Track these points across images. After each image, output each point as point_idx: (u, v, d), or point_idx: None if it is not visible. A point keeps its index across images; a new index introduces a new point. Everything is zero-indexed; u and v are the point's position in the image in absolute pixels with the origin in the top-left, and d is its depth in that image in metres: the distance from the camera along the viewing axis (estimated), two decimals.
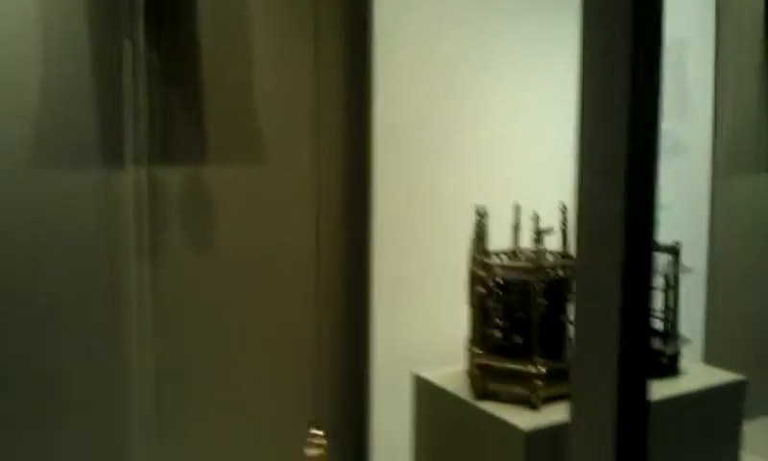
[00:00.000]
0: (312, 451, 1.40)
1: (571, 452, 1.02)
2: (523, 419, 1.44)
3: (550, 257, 1.59)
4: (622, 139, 0.91)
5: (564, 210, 1.59)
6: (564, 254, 1.61)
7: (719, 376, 1.72)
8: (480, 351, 1.54)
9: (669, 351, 1.72)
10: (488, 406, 1.51)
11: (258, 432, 1.77)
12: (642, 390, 0.97)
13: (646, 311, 0.96)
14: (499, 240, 1.64)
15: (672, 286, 1.75)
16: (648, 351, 0.98)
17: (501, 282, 1.53)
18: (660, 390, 1.61)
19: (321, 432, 1.41)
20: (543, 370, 1.48)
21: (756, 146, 2.44)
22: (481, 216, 1.55)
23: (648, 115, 0.91)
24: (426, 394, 1.70)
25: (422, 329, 1.86)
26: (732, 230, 2.39)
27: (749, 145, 2.42)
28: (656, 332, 1.74)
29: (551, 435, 1.41)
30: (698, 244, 2.34)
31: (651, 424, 1.51)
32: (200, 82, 1.65)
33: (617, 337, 0.94)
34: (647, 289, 0.96)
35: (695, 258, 2.34)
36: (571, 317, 1.57)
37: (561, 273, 1.51)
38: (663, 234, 2.22)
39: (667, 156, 2.28)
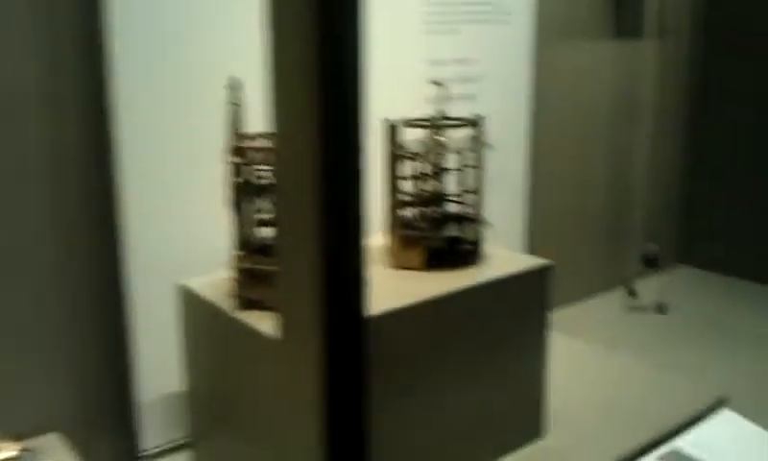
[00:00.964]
0: None
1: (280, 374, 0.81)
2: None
3: None
4: None
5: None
6: None
7: (524, 262, 1.57)
8: (242, 253, 1.30)
9: (469, 236, 1.55)
10: (247, 316, 1.29)
11: None
12: (356, 296, 0.75)
13: (356, 198, 0.72)
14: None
15: (474, 166, 1.57)
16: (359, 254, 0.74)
17: (260, 170, 1.28)
18: (457, 279, 1.44)
19: None
20: None
21: (579, 12, 2.27)
22: (234, 89, 1.27)
23: None
24: (191, 306, 1.45)
25: (192, 233, 1.59)
26: (555, 100, 2.25)
27: (573, 11, 2.25)
28: (452, 217, 1.56)
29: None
30: (521, 116, 2.19)
31: (447, 315, 1.32)
32: None
33: (318, 235, 0.71)
34: (356, 171, 0.73)
35: (518, 133, 2.19)
36: None
37: None
38: (482, 107, 2.04)
39: (490, 23, 2.06)
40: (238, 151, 1.25)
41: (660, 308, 2.37)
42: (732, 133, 2.62)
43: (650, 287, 2.43)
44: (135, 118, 1.50)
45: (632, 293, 2.43)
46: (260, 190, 1.33)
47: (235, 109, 1.26)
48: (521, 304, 1.53)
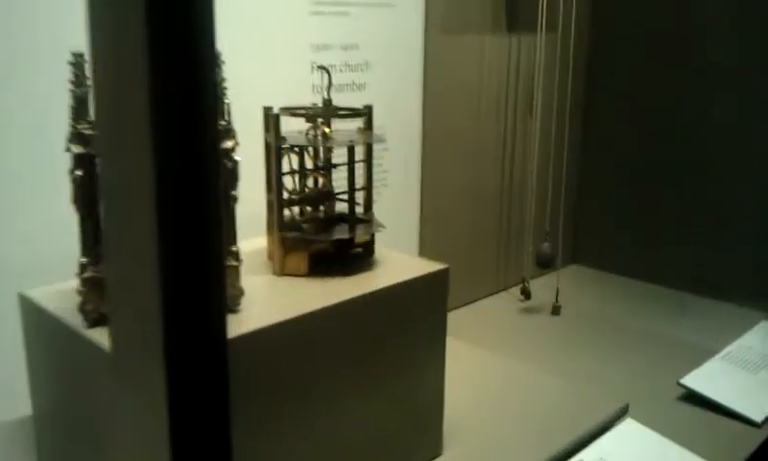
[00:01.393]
0: None
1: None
2: None
3: None
4: None
5: None
6: None
7: (418, 267, 1.44)
8: (87, 260, 1.09)
9: (359, 238, 1.41)
10: (95, 334, 1.08)
11: None
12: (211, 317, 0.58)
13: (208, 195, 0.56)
14: None
15: (364, 160, 1.42)
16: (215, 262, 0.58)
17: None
18: (344, 287, 1.29)
19: None
20: None
21: (471, 2, 2.17)
22: (76, 63, 1.06)
23: None
24: (33, 320, 1.23)
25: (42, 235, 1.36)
26: (445, 95, 2.14)
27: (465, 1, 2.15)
28: (341, 217, 1.41)
29: None
30: (413, 110, 2.07)
31: (331, 328, 1.16)
32: None
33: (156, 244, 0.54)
34: (201, 162, 0.56)
35: (410, 127, 2.07)
36: None
37: None
38: (372, 98, 1.91)
39: (380, 7, 1.92)
40: (80, 138, 1.04)
41: (553, 309, 2.32)
42: (623, 129, 2.62)
43: (544, 287, 2.38)
44: None
45: (525, 293, 2.37)
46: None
47: (79, 88, 1.05)
48: (416, 312, 1.39)
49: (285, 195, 1.36)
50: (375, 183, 1.95)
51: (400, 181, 2.06)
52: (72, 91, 1.04)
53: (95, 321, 1.10)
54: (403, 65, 2.00)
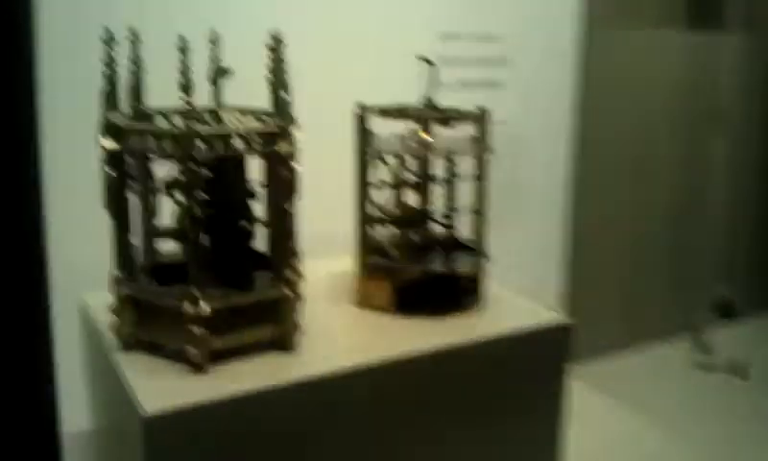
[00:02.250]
0: None
1: None
2: (162, 390, 0.86)
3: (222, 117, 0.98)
4: None
5: None
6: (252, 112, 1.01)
7: (533, 315, 1.14)
8: (122, 275, 0.94)
9: (463, 270, 1.14)
10: (132, 362, 0.93)
11: None
12: None
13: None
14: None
15: (476, 176, 1.16)
16: None
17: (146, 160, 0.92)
18: (433, 333, 1.04)
19: None
20: (207, 309, 0.88)
21: None
22: (107, 40, 0.90)
23: None
24: (85, 329, 1.11)
25: None
26: (607, 101, 1.80)
27: None
28: (439, 243, 1.15)
29: (199, 421, 0.84)
30: (560, 117, 1.75)
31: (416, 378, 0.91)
32: None
33: None
34: None
35: (553, 138, 1.77)
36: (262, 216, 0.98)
37: (237, 143, 0.89)
38: (509, 99, 1.62)
39: None
40: (112, 130, 0.89)
41: (737, 370, 1.88)
42: None
43: (724, 341, 1.95)
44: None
45: (701, 346, 1.95)
46: (149, 188, 0.98)
47: (111, 69, 0.89)
48: (524, 371, 1.10)
49: (373, 211, 1.14)
50: (507, 200, 1.68)
51: (540, 197, 1.76)
52: (103, 73, 0.89)
53: (130, 345, 0.95)
54: (553, 62, 1.70)
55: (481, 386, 1.06)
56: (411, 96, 1.19)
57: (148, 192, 0.98)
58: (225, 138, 0.88)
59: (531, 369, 1.11)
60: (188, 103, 0.85)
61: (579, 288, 1.66)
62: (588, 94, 1.75)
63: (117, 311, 0.94)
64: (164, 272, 0.98)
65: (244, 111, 1.03)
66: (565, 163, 1.76)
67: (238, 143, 0.89)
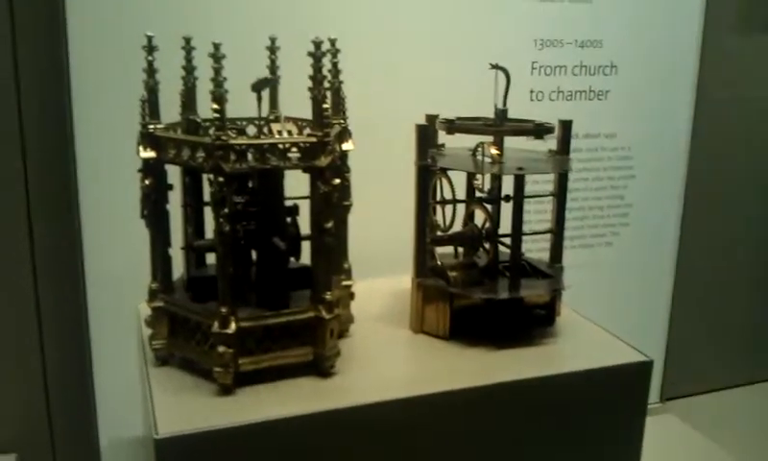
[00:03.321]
0: None
1: None
2: (183, 410, 0.82)
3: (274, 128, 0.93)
4: None
5: None
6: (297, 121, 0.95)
7: (609, 351, 1.02)
8: (158, 286, 0.91)
9: (532, 296, 1.03)
10: (162, 377, 0.90)
11: None
12: None
13: None
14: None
15: (553, 193, 1.05)
16: None
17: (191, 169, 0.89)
18: (490, 365, 0.94)
19: None
20: (233, 326, 0.84)
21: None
22: (149, 47, 0.87)
23: None
24: (137, 341, 1.10)
25: None
26: (727, 110, 1.60)
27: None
28: (508, 267, 1.04)
29: (213, 446, 0.79)
30: (673, 131, 1.58)
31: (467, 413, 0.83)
32: None
33: None
34: None
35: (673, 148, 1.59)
36: (304, 231, 0.92)
37: (274, 158, 0.83)
38: (615, 109, 1.48)
39: None
40: (151, 140, 0.86)
41: None
42: None
43: None
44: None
45: None
46: (191, 200, 0.95)
47: (151, 78, 0.87)
48: (595, 412, 0.98)
49: (435, 229, 1.05)
50: (612, 220, 1.54)
51: (650, 220, 1.58)
52: (145, 82, 0.87)
53: (164, 359, 0.92)
54: (667, 70, 1.53)
55: (543, 426, 0.96)
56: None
57: (187, 204, 0.95)
58: (259, 151, 0.83)
59: (602, 409, 0.98)
60: (219, 112, 0.81)
61: (684, 318, 1.49)
62: (706, 103, 1.56)
63: (152, 324, 0.92)
64: (208, 286, 0.95)
65: (301, 124, 0.98)
66: (681, 183, 1.58)
67: (273, 156, 0.83)
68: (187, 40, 0.94)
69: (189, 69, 0.95)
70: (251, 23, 1.24)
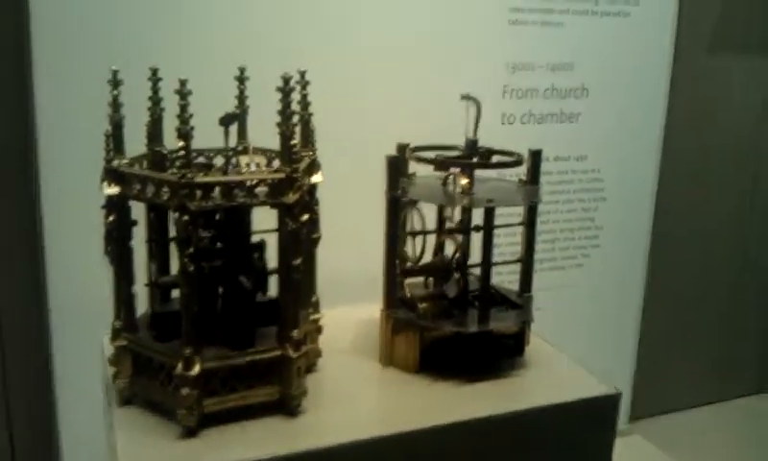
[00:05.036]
0: None
1: None
2: (144, 453, 0.80)
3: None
4: None
5: None
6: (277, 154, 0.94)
7: (576, 383, 1.02)
8: (120, 325, 0.89)
9: (500, 327, 1.03)
10: (126, 418, 0.88)
11: None
12: None
13: None
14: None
15: (523, 223, 1.04)
16: None
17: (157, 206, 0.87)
18: (460, 400, 0.94)
19: None
20: (197, 368, 0.82)
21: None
22: (114, 81, 0.85)
23: None
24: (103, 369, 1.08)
25: None
26: (699, 134, 1.61)
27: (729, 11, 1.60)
28: (480, 297, 1.04)
29: None
30: (642, 157, 1.59)
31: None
32: None
33: None
34: None
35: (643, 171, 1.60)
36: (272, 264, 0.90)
37: (241, 194, 0.82)
38: (586, 132, 1.48)
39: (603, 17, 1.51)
40: (115, 175, 0.84)
41: None
42: None
43: None
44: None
45: None
46: (151, 236, 0.93)
47: (116, 112, 0.85)
48: (563, 446, 0.98)
49: (404, 261, 1.04)
50: (582, 242, 1.55)
51: (620, 241, 1.59)
52: (110, 116, 0.84)
53: (127, 399, 0.90)
54: (638, 93, 1.54)
55: (513, 459, 0.95)
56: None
57: (152, 239, 0.93)
58: (226, 187, 0.81)
59: (571, 441, 0.98)
60: (185, 149, 0.79)
61: (652, 338, 1.50)
62: (677, 127, 1.57)
63: (115, 363, 0.90)
64: (173, 322, 0.92)
65: (270, 154, 0.97)
66: (650, 206, 1.59)
67: (240, 193, 0.82)
68: (153, 71, 0.92)
69: (156, 100, 0.93)
70: (220, 53, 1.22)
